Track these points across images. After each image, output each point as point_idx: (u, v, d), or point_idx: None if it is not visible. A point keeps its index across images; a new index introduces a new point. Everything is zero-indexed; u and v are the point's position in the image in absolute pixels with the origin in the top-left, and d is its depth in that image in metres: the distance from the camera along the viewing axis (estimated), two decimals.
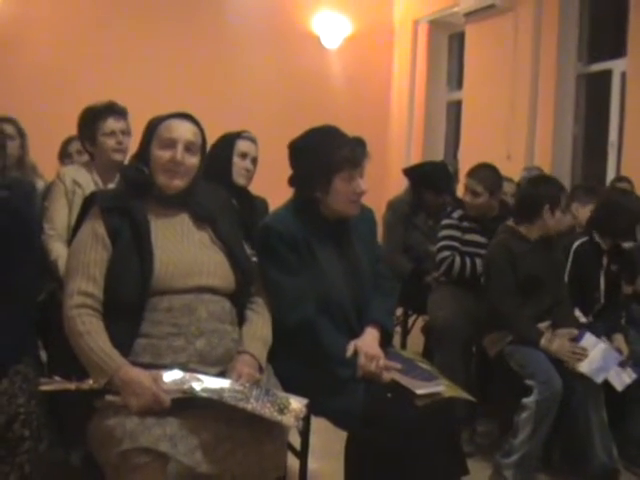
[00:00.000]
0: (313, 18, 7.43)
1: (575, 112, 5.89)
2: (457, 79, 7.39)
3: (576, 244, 3.51)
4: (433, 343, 3.80)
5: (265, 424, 2.00)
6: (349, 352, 2.37)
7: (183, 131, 2.22)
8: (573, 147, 5.93)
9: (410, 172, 4.60)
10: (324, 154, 2.39)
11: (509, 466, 3.05)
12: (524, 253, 3.27)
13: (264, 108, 6.83)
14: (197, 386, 1.98)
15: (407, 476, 2.23)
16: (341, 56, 7.53)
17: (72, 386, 1.99)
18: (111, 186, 3.11)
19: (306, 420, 2.39)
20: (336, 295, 2.43)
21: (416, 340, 4.41)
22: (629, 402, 3.33)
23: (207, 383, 2.00)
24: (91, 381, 1.99)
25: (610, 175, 5.39)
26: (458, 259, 3.73)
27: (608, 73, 5.65)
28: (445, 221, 3.87)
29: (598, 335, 3.24)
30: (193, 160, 2.23)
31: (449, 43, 7.54)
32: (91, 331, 2.03)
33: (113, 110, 3.20)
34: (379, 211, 3.76)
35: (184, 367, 2.04)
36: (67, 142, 4.22)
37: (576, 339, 3.17)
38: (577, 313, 3.41)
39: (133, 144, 2.43)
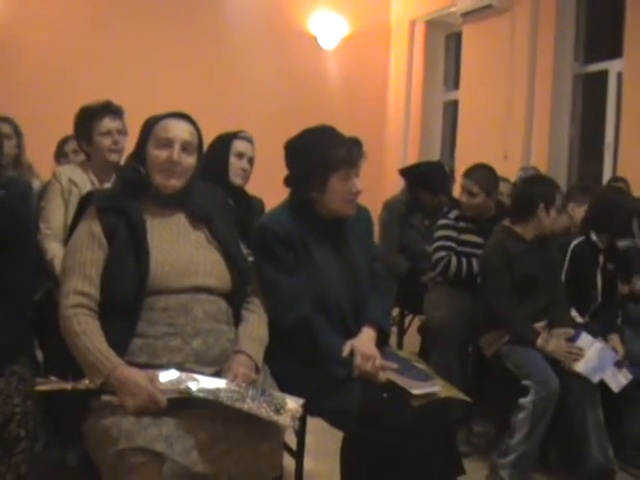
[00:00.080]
0: (310, 18, 7.43)
1: (572, 112, 5.90)
2: (454, 79, 7.40)
3: (574, 243, 3.51)
4: (429, 343, 3.80)
5: (261, 424, 1.99)
6: (345, 352, 2.37)
7: (180, 131, 2.22)
8: (569, 147, 5.94)
9: (406, 172, 4.61)
10: (320, 154, 2.39)
11: (505, 466, 3.05)
12: (520, 253, 3.27)
13: (261, 108, 6.82)
14: (193, 386, 1.98)
15: (403, 476, 2.23)
16: (338, 56, 7.53)
17: (68, 386, 1.99)
18: (107, 185, 3.10)
19: (302, 420, 2.39)
20: (333, 295, 2.43)
21: (412, 340, 4.40)
22: (625, 402, 3.33)
23: (203, 383, 2.00)
24: (87, 381, 1.99)
25: (606, 175, 5.40)
26: (454, 259, 3.73)
27: (604, 73, 5.66)
28: (441, 221, 3.87)
29: (594, 335, 3.24)
30: (190, 160, 2.23)
31: (446, 43, 7.54)
32: (87, 331, 2.03)
33: (109, 109, 3.19)
34: (375, 211, 3.77)
35: (180, 367, 2.04)
36: (63, 141, 4.21)
37: (572, 339, 3.18)
38: (573, 313, 3.42)
39: (130, 143, 2.43)
